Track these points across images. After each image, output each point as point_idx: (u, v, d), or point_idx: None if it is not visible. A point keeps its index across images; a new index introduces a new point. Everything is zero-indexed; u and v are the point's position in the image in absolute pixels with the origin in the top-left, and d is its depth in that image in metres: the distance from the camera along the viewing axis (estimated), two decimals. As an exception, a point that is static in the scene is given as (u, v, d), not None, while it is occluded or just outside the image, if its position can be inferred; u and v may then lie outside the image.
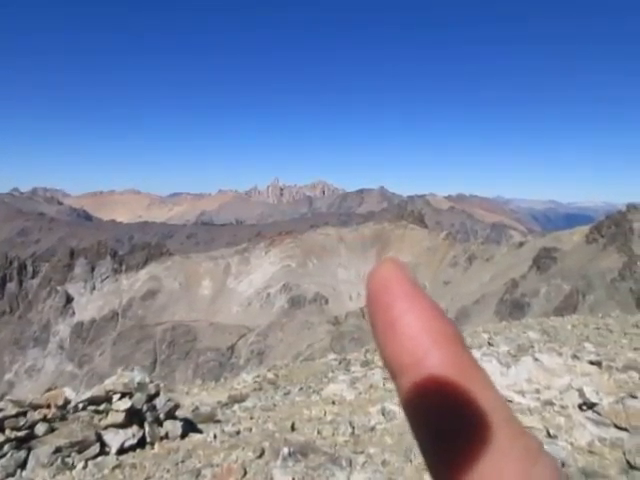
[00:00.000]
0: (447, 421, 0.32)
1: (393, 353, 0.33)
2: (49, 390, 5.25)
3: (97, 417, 4.67)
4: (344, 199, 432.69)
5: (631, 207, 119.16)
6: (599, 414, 4.48)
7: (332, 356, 13.06)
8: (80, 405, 4.72)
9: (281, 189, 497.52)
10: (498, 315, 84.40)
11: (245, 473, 4.06)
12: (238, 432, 5.43)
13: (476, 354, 7.41)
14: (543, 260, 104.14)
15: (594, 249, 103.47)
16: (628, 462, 3.42)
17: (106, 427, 4.64)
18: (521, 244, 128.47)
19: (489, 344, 9.90)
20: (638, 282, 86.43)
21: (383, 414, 5.42)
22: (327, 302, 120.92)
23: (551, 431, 4.25)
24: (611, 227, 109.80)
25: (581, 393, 4.95)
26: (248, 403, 7.76)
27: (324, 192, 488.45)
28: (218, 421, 6.20)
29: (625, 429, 4.15)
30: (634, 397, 5.05)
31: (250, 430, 5.56)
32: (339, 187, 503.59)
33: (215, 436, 5.20)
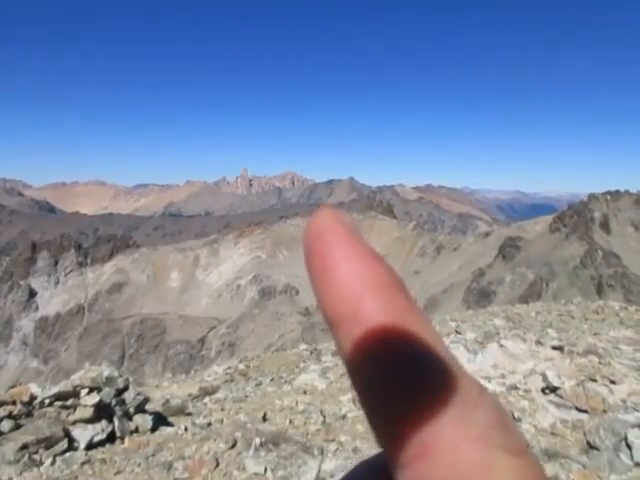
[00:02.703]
0: (390, 374, 0.31)
1: (329, 303, 0.31)
2: (13, 387, 5.12)
3: (64, 413, 4.58)
4: (314, 190, 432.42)
5: (592, 197, 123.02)
6: (561, 397, 4.65)
7: (303, 346, 13.11)
8: (46, 401, 4.62)
9: (250, 180, 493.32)
10: (465, 303, 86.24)
11: (217, 464, 4.06)
12: (209, 424, 5.42)
13: (444, 342, 7.57)
14: (508, 249, 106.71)
15: (557, 238, 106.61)
16: (588, 442, 3.57)
17: (74, 422, 4.55)
18: (487, 234, 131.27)
19: (457, 332, 10.11)
20: (599, 269, 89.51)
21: (354, 402, 5.49)
22: (298, 293, 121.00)
23: (516, 414, 4.40)
24: (573, 217, 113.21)
25: (544, 377, 5.13)
26: (219, 395, 7.73)
27: (294, 183, 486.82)
28: (189, 414, 6.16)
29: (585, 411, 4.33)
30: (594, 380, 5.27)
31: (221, 422, 5.55)
32: (309, 178, 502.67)
33: (186, 429, 5.18)
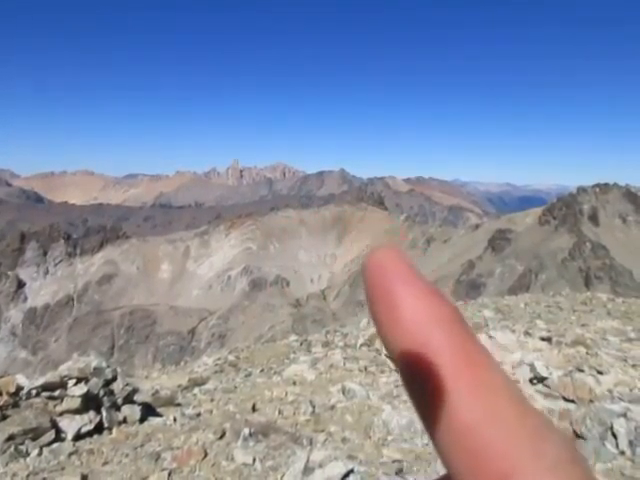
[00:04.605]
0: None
1: (395, 337, 0.33)
2: (0, 377, 5.06)
3: (52, 403, 4.54)
4: (304, 181, 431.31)
5: (581, 190, 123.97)
6: (549, 387, 4.69)
7: (293, 337, 13.12)
8: (33, 392, 4.58)
9: (241, 171, 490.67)
10: (455, 295, 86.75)
11: (206, 455, 4.05)
12: (198, 414, 5.41)
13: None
14: (498, 241, 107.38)
15: (546, 230, 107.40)
16: (575, 432, 3.60)
17: (61, 413, 4.51)
18: (477, 226, 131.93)
19: (446, 323, 10.14)
20: (587, 262, 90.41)
21: (343, 393, 5.50)
22: (288, 284, 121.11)
23: (504, 404, 4.41)
24: (562, 209, 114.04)
25: (532, 368, 5.16)
26: (209, 386, 7.72)
27: (284, 174, 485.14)
28: (178, 404, 6.14)
29: (572, 401, 4.37)
30: (581, 370, 5.32)
31: (211, 412, 5.54)
32: (300, 169, 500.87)
33: (175, 419, 5.16)
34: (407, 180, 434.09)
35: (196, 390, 7.55)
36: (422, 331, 0.33)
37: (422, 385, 0.33)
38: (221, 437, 4.43)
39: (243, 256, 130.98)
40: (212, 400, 6.33)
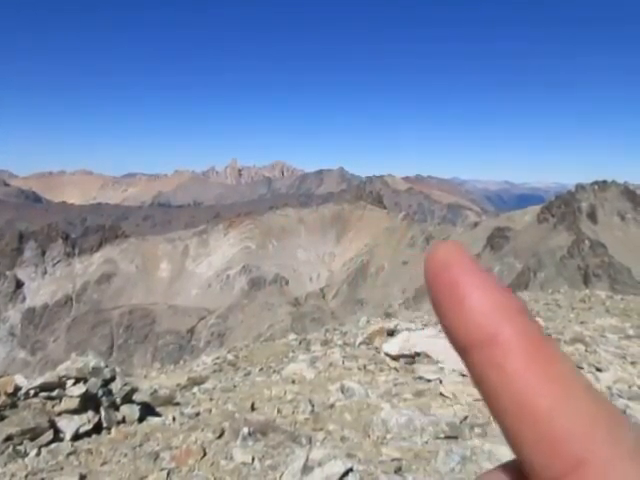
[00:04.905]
0: (541, 391, 0.33)
1: (464, 330, 0.34)
2: (-2, 378, 5.05)
3: (50, 404, 4.54)
4: (303, 180, 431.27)
5: (580, 187, 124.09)
6: (547, 385, 4.68)
7: (292, 336, 13.11)
8: (31, 392, 4.57)
9: (239, 170, 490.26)
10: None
11: (204, 454, 4.05)
12: (197, 414, 5.40)
13: (433, 331, 7.61)
14: (496, 239, 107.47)
15: (545, 228, 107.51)
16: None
17: (60, 413, 4.51)
18: (476, 224, 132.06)
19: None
20: (585, 259, 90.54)
21: (342, 391, 5.50)
22: (287, 283, 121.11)
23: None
24: (561, 207, 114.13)
25: (531, 365, 5.16)
26: (208, 385, 7.71)
27: (283, 173, 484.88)
28: (177, 404, 6.14)
29: (571, 398, 4.36)
30: (580, 368, 5.31)
31: (210, 411, 5.54)
32: (298, 168, 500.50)
33: (174, 419, 5.15)
34: (406, 178, 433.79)
35: (195, 389, 7.54)
36: (491, 322, 0.33)
37: (492, 375, 0.33)
38: (220, 436, 4.43)
39: (242, 255, 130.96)
40: (211, 399, 6.33)
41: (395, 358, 6.77)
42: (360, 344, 8.61)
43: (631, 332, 9.40)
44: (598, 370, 5.24)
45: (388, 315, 15.57)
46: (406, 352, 6.68)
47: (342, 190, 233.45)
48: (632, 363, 5.91)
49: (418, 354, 6.58)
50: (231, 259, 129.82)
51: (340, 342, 9.71)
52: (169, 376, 9.55)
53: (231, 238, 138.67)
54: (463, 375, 5.26)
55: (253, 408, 5.47)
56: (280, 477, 3.65)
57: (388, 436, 3.91)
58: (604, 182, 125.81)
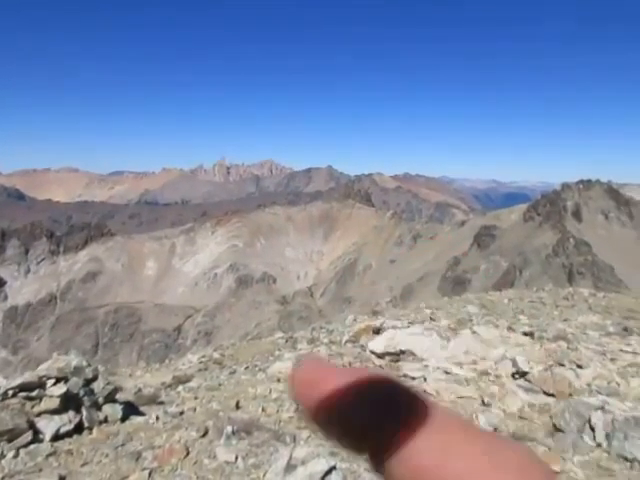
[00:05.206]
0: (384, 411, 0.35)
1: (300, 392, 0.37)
2: (-23, 378, 4.97)
3: (29, 404, 4.47)
4: (292, 178, 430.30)
5: (565, 186, 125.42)
6: (530, 382, 4.73)
7: (279, 335, 13.09)
8: (10, 392, 4.49)
9: (228, 168, 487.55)
10: (441, 291, 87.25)
11: (188, 453, 4.02)
12: (182, 412, 5.36)
13: (418, 329, 7.63)
14: (483, 238, 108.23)
15: (530, 227, 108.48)
16: (554, 425, 3.64)
17: (39, 414, 4.44)
18: (463, 223, 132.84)
19: (431, 319, 10.21)
20: (570, 257, 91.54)
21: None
22: (275, 282, 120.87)
23: (485, 399, 4.45)
24: (546, 205, 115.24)
25: (514, 363, 5.21)
26: (193, 383, 7.67)
27: (272, 171, 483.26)
28: (161, 403, 6.09)
29: (552, 395, 4.41)
30: (562, 365, 5.38)
31: (194, 410, 5.51)
32: (287, 166, 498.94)
33: (157, 418, 5.11)
34: (394, 177, 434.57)
35: (180, 388, 7.50)
36: (322, 375, 0.36)
37: (369, 439, 0.34)
38: (204, 435, 4.40)
39: (229, 253, 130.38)
40: (196, 398, 6.29)
41: (380, 356, 6.79)
42: (346, 342, 8.62)
43: (611, 329, 9.53)
44: (579, 367, 5.30)
45: (375, 313, 15.59)
46: (391, 350, 6.70)
47: (330, 188, 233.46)
48: (612, 360, 5.98)
49: (403, 352, 6.60)
50: (218, 257, 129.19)
51: (326, 340, 9.71)
52: (154, 375, 9.49)
53: (219, 236, 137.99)
54: (447, 373, 5.29)
55: (238, 407, 5.45)
56: (263, 476, 3.63)
57: (371, 433, 3.92)
58: (589, 181, 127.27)
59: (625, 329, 9.59)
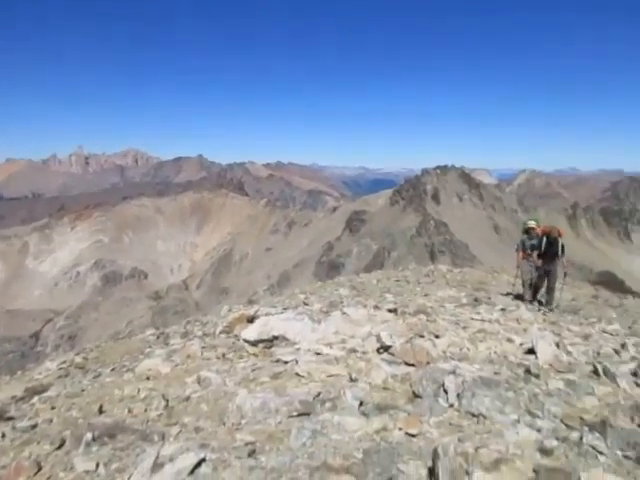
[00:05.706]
0: None
1: None
2: None
3: None
4: (160, 168, 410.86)
5: (425, 172, 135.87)
6: (393, 355, 5.03)
7: (150, 331, 12.48)
8: None
9: (86, 158, 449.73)
10: (317, 276, 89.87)
11: (39, 469, 3.64)
12: (34, 426, 4.85)
13: (291, 314, 7.73)
14: (354, 223, 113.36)
15: (396, 210, 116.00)
16: (414, 392, 3.91)
17: None
18: (335, 209, 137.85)
19: (304, 304, 10.43)
20: (431, 238, 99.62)
21: (199, 382, 5.37)
22: (146, 277, 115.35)
23: (353, 375, 4.65)
24: (409, 190, 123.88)
25: (378, 338, 5.50)
26: (50, 393, 6.99)
27: (137, 161, 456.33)
28: (10, 418, 5.46)
29: (412, 365, 4.74)
30: (421, 336, 5.81)
31: (50, 421, 5.02)
32: (154, 156, 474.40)
33: (3, 435, 4.57)
34: (267, 165, 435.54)
35: (35, 399, 6.78)
36: None
37: None
38: (60, 447, 4.02)
39: (93, 250, 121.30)
40: (53, 408, 5.74)
41: (254, 344, 6.76)
42: (220, 333, 8.47)
43: (464, 300, 10.56)
44: (436, 337, 5.76)
45: (251, 302, 15.55)
46: (265, 337, 6.70)
47: (202, 178, 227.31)
48: (464, 328, 6.62)
49: (276, 337, 6.64)
50: (80, 255, 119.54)
51: (200, 333, 9.47)
52: (2, 388, 8.48)
53: (79, 232, 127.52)
54: (318, 354, 5.43)
55: (101, 411, 5.07)
56: (128, 479, 3.42)
57: (243, 421, 3.88)
58: (445, 167, 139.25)
59: (475, 299, 10.68)
